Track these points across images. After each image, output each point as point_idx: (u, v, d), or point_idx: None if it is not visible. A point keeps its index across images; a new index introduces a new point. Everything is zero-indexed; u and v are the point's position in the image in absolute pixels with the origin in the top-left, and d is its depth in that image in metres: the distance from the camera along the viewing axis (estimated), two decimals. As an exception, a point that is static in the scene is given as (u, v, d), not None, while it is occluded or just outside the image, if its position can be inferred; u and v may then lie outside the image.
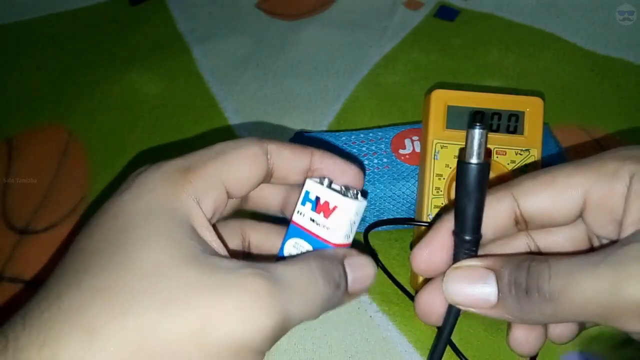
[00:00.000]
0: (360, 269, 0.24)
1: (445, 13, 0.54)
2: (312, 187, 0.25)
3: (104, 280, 0.20)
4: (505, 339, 0.31)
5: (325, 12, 0.56)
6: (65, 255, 0.22)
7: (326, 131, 0.41)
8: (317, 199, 0.25)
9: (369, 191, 0.34)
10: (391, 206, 0.35)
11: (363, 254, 0.25)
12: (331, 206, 0.24)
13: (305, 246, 0.25)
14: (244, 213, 0.28)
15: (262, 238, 0.28)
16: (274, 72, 0.50)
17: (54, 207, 0.41)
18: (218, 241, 0.23)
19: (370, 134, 0.37)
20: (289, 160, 0.25)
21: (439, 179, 0.32)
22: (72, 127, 0.47)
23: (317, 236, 0.25)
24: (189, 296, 0.20)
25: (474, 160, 0.23)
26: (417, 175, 0.34)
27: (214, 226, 0.24)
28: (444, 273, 0.25)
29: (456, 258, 0.25)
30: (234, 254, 0.24)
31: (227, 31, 0.55)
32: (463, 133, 0.32)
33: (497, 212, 0.24)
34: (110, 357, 0.19)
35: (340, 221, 0.24)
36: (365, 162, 0.35)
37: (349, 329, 0.32)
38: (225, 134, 0.45)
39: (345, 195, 0.25)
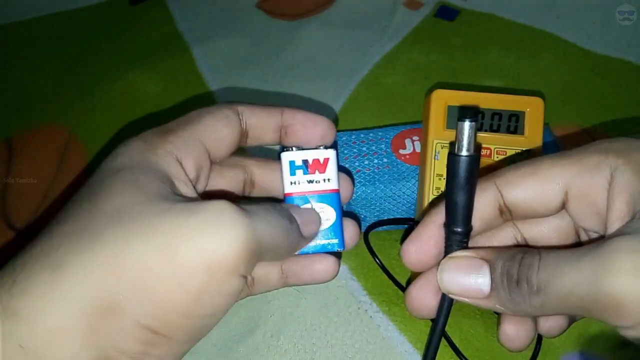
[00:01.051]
0: (305, 214, 0.26)
1: (445, 13, 0.54)
2: (294, 156, 0.28)
3: (72, 225, 0.20)
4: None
5: (325, 12, 0.56)
6: None
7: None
8: (305, 162, 0.28)
9: (369, 191, 0.34)
10: (391, 206, 0.35)
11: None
12: (322, 161, 0.27)
13: (316, 205, 0.28)
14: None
15: (266, 175, 0.29)
16: (274, 72, 0.50)
17: (54, 207, 0.41)
18: (197, 197, 0.23)
19: (371, 134, 0.37)
20: (261, 118, 0.27)
21: (440, 179, 0.32)
22: (72, 127, 0.47)
23: (322, 191, 0.27)
24: (153, 222, 0.20)
25: (464, 152, 0.24)
26: (417, 176, 0.34)
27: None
28: (433, 267, 0.26)
29: (448, 250, 0.25)
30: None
31: (227, 31, 0.55)
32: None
33: (481, 202, 0.25)
34: (77, 286, 0.19)
35: (334, 169, 0.28)
36: (366, 162, 0.35)
37: (349, 329, 0.32)
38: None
39: (325, 148, 0.28)
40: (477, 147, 0.24)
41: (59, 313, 0.19)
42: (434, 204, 0.31)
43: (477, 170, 0.24)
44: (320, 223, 0.27)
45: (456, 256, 0.25)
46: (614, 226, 0.21)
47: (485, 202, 0.25)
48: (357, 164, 0.35)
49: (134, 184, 0.21)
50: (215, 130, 0.25)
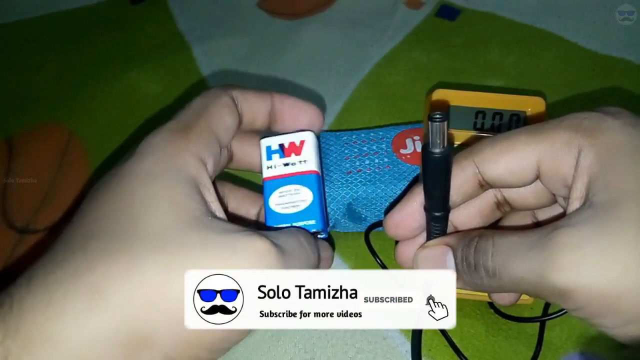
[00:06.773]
0: (325, 251, 0.27)
1: (447, 12, 0.54)
2: (270, 142, 0.28)
3: (110, 244, 0.20)
4: (506, 339, 0.31)
5: (326, 12, 0.56)
6: (72, 220, 0.22)
7: (327, 131, 0.41)
8: (282, 145, 0.28)
9: (370, 191, 0.34)
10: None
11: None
12: (298, 143, 0.28)
13: (292, 188, 0.28)
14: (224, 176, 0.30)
15: (239, 202, 0.30)
16: (274, 72, 0.50)
17: (54, 207, 0.41)
18: (217, 203, 0.23)
19: (371, 134, 0.37)
20: (253, 103, 0.27)
21: (440, 178, 0.32)
22: (72, 127, 0.47)
23: (299, 173, 0.28)
24: (195, 256, 0.20)
25: (436, 150, 0.23)
26: (418, 175, 0.34)
27: (214, 184, 0.25)
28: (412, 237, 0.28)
29: (428, 230, 0.27)
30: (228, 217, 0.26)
31: (228, 30, 0.55)
32: (465, 133, 0.32)
33: (462, 180, 0.26)
34: (115, 315, 0.19)
35: (312, 150, 0.28)
36: (366, 161, 0.35)
37: (350, 329, 0.32)
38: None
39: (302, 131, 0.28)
40: (449, 141, 0.24)
41: (97, 343, 0.19)
42: (418, 179, 0.32)
43: (450, 163, 0.24)
44: (332, 260, 0.29)
45: (425, 247, 0.27)
46: (573, 205, 0.23)
47: (465, 179, 0.26)
48: (357, 163, 0.35)
49: (171, 202, 0.21)
50: (223, 121, 0.25)
